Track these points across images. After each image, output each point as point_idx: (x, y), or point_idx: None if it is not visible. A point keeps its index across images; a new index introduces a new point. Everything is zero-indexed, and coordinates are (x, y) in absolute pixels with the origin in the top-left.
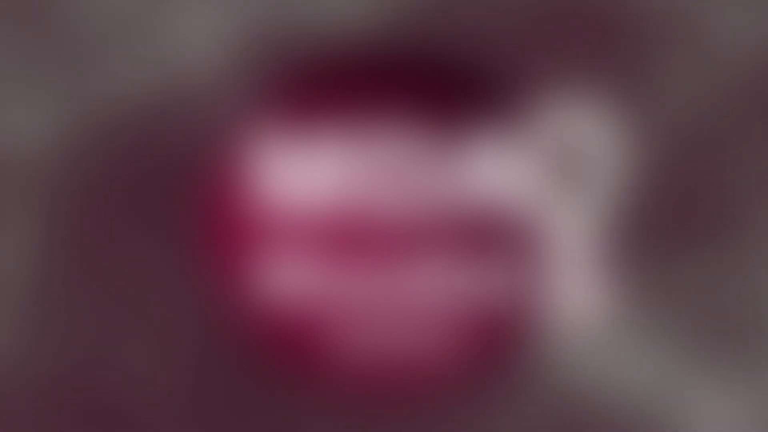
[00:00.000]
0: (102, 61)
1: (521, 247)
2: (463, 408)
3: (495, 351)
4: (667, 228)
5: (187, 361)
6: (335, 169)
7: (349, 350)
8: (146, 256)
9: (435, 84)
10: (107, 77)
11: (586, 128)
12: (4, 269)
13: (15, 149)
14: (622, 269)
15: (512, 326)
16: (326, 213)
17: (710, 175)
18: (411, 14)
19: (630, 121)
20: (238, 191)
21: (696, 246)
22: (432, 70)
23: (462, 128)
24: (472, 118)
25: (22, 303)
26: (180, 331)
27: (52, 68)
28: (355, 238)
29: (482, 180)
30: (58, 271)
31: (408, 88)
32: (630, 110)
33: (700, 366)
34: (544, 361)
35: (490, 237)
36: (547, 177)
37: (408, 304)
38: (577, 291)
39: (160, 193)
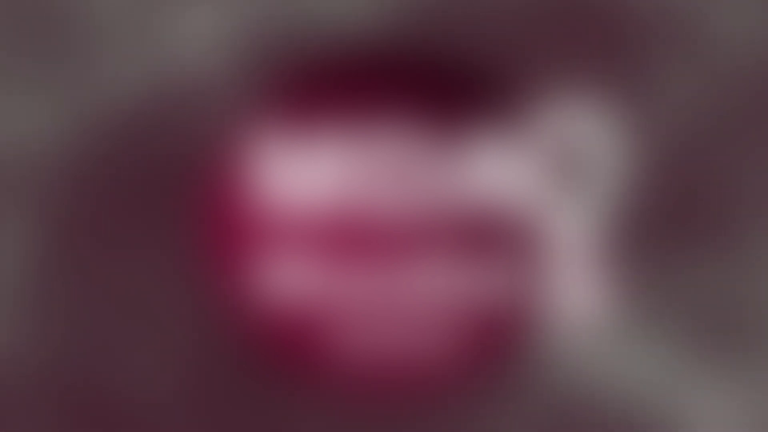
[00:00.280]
0: (101, 60)
1: (521, 247)
2: (463, 408)
3: (495, 351)
4: (667, 228)
5: (187, 361)
6: (335, 169)
7: (349, 350)
8: (146, 256)
9: (435, 84)
10: (106, 77)
11: (586, 128)
12: (3, 269)
13: (13, 149)
14: (622, 269)
15: (512, 326)
16: (326, 213)
17: (710, 175)
18: (411, 14)
19: (630, 121)
20: (238, 191)
21: (696, 246)
22: (432, 70)
23: (462, 128)
24: (472, 118)
25: (21, 303)
26: (180, 331)
27: (51, 68)
28: (355, 238)
29: (482, 180)
30: (56, 271)
31: (408, 88)
32: (630, 110)
33: (700, 366)
34: (544, 361)
35: (490, 237)
36: (547, 177)
37: (408, 304)
38: (577, 291)
39: (160, 193)
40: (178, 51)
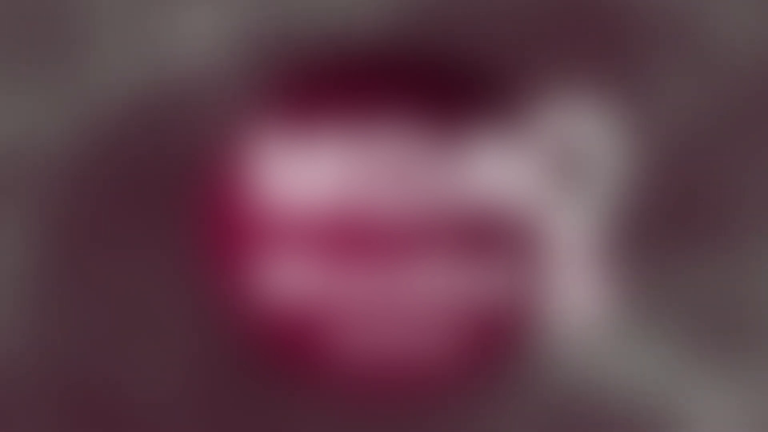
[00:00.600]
0: (101, 60)
1: (521, 247)
2: (463, 408)
3: (495, 351)
4: (667, 228)
5: (187, 361)
6: (335, 169)
7: (349, 350)
8: (146, 256)
9: (435, 84)
10: (106, 77)
11: (586, 128)
12: (2, 270)
13: (12, 148)
14: (622, 269)
15: (512, 326)
16: (326, 213)
17: (710, 175)
18: (411, 14)
19: (630, 121)
20: (238, 191)
21: (696, 246)
22: (432, 70)
23: (462, 128)
24: (472, 118)
25: (21, 304)
26: (179, 331)
27: (50, 67)
28: (355, 238)
29: (482, 180)
30: (56, 271)
31: (408, 88)
32: (630, 110)
33: (700, 366)
34: (544, 361)
35: (490, 237)
36: (547, 177)
37: (408, 304)
38: (577, 291)
39: (160, 193)
40: (178, 51)
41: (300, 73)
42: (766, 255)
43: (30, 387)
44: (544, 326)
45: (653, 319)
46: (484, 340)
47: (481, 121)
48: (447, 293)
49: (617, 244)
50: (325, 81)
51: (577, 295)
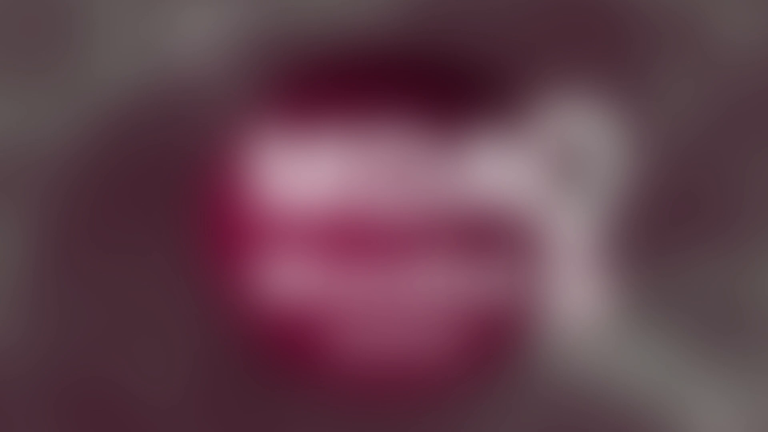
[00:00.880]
0: (100, 61)
1: (521, 247)
2: (463, 408)
3: (495, 351)
4: (667, 228)
5: (187, 360)
6: (335, 169)
7: (349, 350)
8: (146, 256)
9: (435, 84)
10: (105, 77)
11: (587, 128)
12: (0, 270)
13: (11, 148)
14: (622, 269)
15: (512, 326)
16: (326, 213)
17: (711, 175)
18: (411, 14)
19: (630, 120)
20: (238, 191)
21: (696, 246)
22: (432, 70)
23: (462, 128)
24: (472, 118)
25: (19, 305)
26: (179, 330)
27: (49, 67)
28: (355, 238)
29: (482, 180)
30: (55, 272)
31: (408, 88)
32: (630, 110)
33: (700, 366)
34: (544, 361)
35: (490, 237)
36: (547, 177)
37: (408, 304)
38: (576, 291)
39: (159, 192)
40: (178, 50)
41: (300, 73)
42: (766, 255)
43: (29, 387)
44: (543, 326)
45: (653, 319)
46: (484, 340)
47: (481, 121)
48: (447, 293)
49: (617, 244)
50: (325, 80)
51: (577, 295)
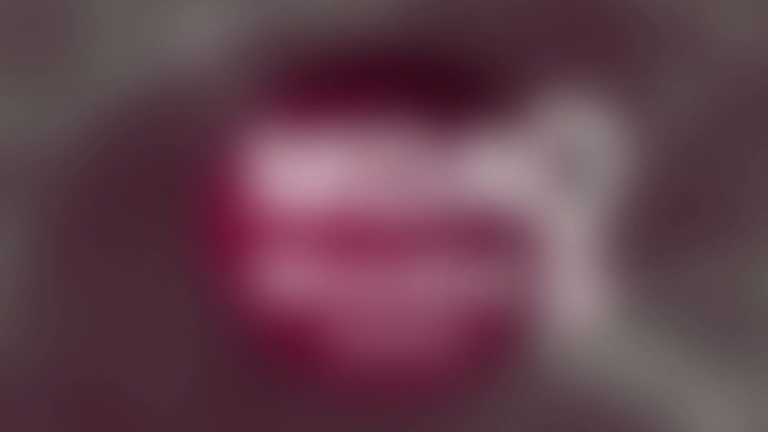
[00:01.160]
0: (100, 59)
1: (521, 247)
2: (463, 408)
3: (495, 351)
4: (667, 228)
5: (187, 360)
6: (335, 169)
7: (349, 350)
8: (145, 256)
9: (435, 84)
10: (105, 75)
11: (587, 128)
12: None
13: (11, 147)
14: (622, 269)
15: (512, 326)
16: (326, 213)
17: (711, 175)
18: (411, 14)
19: (631, 120)
20: (238, 191)
21: (696, 246)
22: (432, 70)
23: (462, 128)
24: (472, 118)
25: (18, 305)
26: (179, 330)
27: (49, 67)
28: (355, 238)
29: (482, 180)
30: (54, 272)
31: (408, 88)
32: (631, 110)
33: (700, 366)
34: (544, 361)
35: (490, 237)
36: (547, 177)
37: (408, 304)
38: (576, 291)
39: (159, 192)
40: (178, 50)
41: (300, 73)
42: (766, 255)
43: (29, 387)
44: (543, 326)
45: (653, 319)
46: (484, 340)
47: (481, 121)
48: (447, 293)
49: (617, 244)
50: (325, 80)
51: (577, 295)
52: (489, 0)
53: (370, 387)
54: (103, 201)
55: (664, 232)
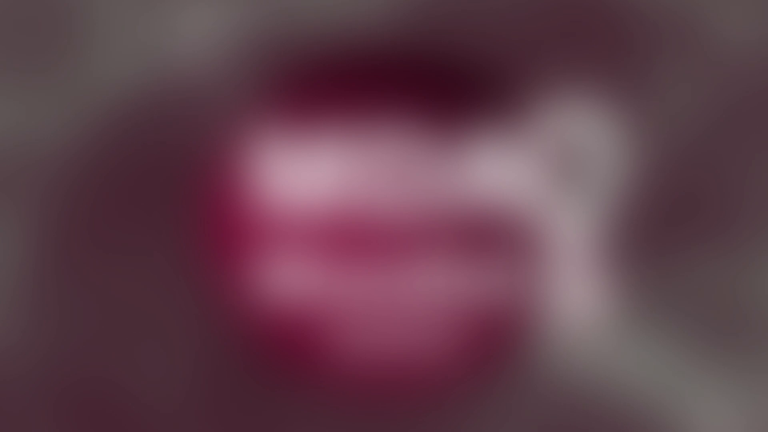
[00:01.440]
0: (100, 59)
1: (521, 247)
2: (463, 408)
3: (495, 351)
4: (667, 228)
5: (187, 360)
6: (335, 169)
7: (349, 350)
8: (145, 256)
9: (435, 84)
10: (105, 75)
11: (587, 128)
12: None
13: (11, 147)
14: (622, 269)
15: (512, 326)
16: (326, 213)
17: (711, 175)
18: (411, 14)
19: (631, 120)
20: (238, 191)
21: (696, 246)
22: (432, 70)
23: (462, 128)
24: (472, 118)
25: (18, 306)
26: (179, 330)
27: (50, 65)
28: (355, 238)
29: (482, 180)
30: (54, 272)
31: (408, 88)
32: (631, 110)
33: (700, 366)
34: (544, 361)
35: (490, 237)
36: (547, 177)
37: (408, 304)
38: (577, 291)
39: (159, 192)
40: (178, 50)
41: (300, 73)
42: (766, 255)
43: (29, 387)
44: (543, 326)
45: (653, 319)
46: (484, 340)
47: (481, 121)
48: (447, 293)
49: (617, 244)
50: (325, 80)
51: (577, 295)
52: (490, 1)
53: (370, 387)
54: (103, 201)
55: (664, 232)
